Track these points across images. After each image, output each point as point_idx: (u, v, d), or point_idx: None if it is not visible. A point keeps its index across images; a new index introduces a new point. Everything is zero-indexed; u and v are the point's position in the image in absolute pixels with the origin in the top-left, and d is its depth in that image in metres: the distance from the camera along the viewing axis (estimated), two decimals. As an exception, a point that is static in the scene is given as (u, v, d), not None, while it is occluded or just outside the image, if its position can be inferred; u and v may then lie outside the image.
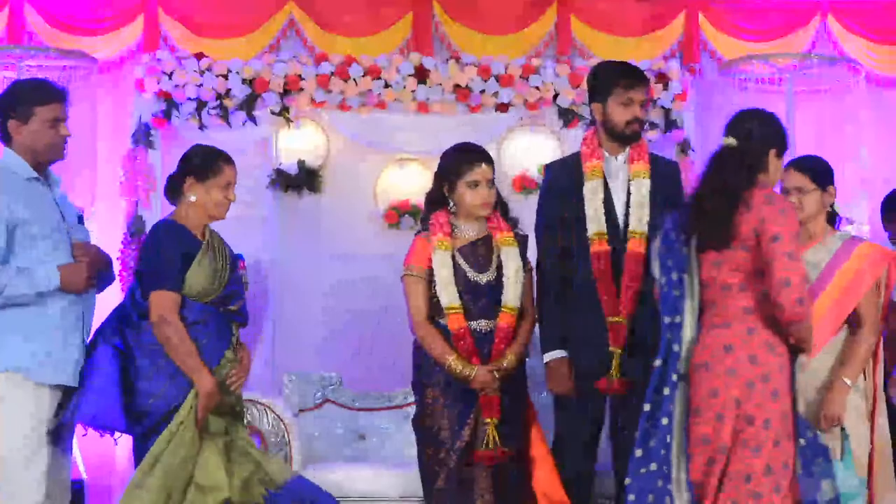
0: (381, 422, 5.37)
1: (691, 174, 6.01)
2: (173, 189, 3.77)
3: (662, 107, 6.04)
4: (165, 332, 3.53)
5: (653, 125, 6.06)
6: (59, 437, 3.68)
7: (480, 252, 3.91)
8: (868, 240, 4.35)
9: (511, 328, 3.84)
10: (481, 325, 3.86)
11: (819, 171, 3.90)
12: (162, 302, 3.55)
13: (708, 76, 6.41)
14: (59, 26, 6.19)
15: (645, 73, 4.12)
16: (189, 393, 3.55)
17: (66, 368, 3.63)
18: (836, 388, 3.74)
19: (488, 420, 3.79)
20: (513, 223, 3.99)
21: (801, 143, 6.13)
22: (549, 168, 4.15)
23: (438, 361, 3.83)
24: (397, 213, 6.02)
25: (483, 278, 3.87)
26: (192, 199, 3.70)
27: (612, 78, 3.98)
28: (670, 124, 6.07)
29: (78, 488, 5.47)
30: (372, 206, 6.08)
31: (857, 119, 6.28)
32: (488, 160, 3.92)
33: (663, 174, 3.99)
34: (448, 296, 3.83)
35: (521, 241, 3.96)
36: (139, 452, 3.60)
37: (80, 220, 3.85)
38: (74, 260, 3.64)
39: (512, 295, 3.84)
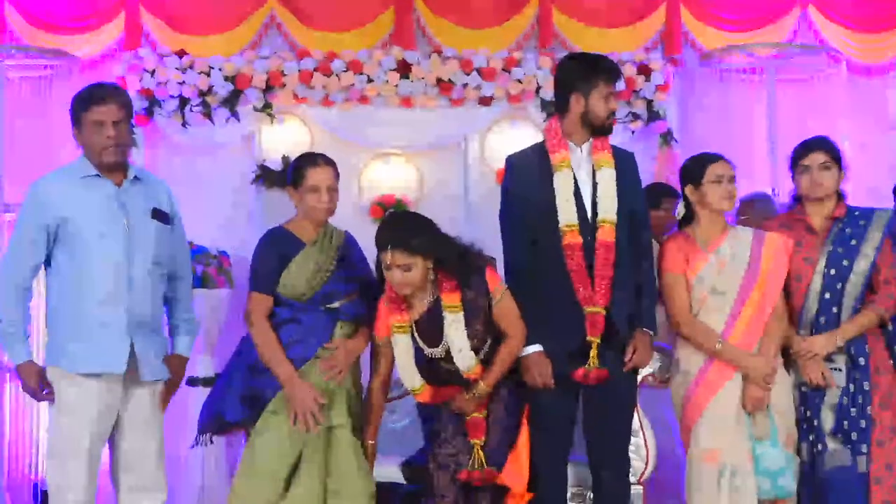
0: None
1: (674, 164, 6.05)
2: None
3: (645, 98, 6.06)
4: (251, 330, 3.84)
5: (635, 116, 6.08)
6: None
7: (434, 321, 3.80)
8: None
9: (477, 376, 3.79)
10: (450, 382, 3.83)
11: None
12: (251, 303, 3.84)
13: (689, 67, 6.41)
14: (41, 25, 6.17)
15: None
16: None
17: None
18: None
19: (475, 441, 3.78)
20: (464, 278, 3.78)
21: (783, 132, 6.16)
22: (510, 161, 4.03)
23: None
24: (382, 208, 6.01)
25: (437, 352, 3.81)
26: (295, 205, 3.94)
27: (596, 71, 3.90)
28: (653, 115, 6.09)
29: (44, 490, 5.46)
30: (356, 200, 6.07)
31: (838, 107, 6.30)
32: (395, 245, 3.69)
33: (623, 164, 3.95)
34: (409, 380, 3.83)
35: (471, 299, 3.77)
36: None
37: (160, 215, 3.79)
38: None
39: (464, 366, 3.77)
